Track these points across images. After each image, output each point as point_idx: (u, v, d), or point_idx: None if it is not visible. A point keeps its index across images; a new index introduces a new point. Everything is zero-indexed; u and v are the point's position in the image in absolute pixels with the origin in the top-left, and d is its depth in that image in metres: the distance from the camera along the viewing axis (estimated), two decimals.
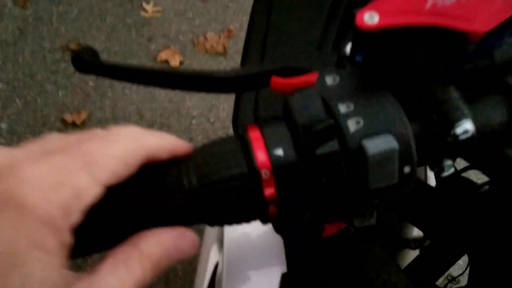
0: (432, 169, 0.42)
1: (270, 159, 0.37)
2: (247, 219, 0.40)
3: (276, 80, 0.43)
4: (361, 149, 0.36)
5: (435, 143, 0.39)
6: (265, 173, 0.37)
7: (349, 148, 0.36)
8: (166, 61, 2.05)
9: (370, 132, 0.36)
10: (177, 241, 0.36)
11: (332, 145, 0.36)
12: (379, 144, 0.35)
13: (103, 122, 1.84)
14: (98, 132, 0.35)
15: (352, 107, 0.37)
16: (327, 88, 0.39)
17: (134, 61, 2.03)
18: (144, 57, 2.05)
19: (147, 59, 2.05)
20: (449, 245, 0.64)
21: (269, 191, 0.37)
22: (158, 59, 2.05)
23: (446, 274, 0.65)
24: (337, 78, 0.40)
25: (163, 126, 1.87)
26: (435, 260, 0.66)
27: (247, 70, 0.46)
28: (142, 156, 0.34)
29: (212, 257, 0.65)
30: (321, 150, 0.36)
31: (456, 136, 0.38)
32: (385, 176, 0.36)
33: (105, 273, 0.32)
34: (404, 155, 0.36)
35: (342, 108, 0.37)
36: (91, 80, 1.95)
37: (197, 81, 0.47)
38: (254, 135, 0.39)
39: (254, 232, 0.60)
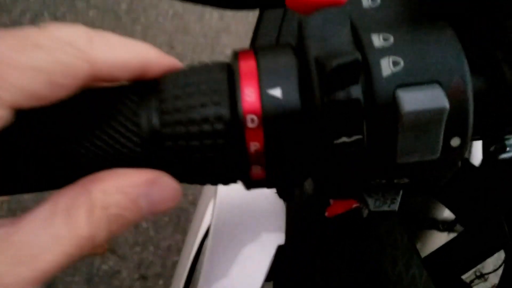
0: (487, 146, 0.31)
1: (261, 101, 0.26)
2: (224, 180, 0.30)
3: None
4: (393, 102, 0.25)
5: (502, 109, 0.27)
6: (251, 119, 0.26)
7: (376, 98, 0.25)
8: None
9: (410, 79, 0.25)
10: (149, 189, 0.27)
11: (353, 91, 0.25)
12: (420, 98, 0.24)
13: None
14: (20, 31, 0.25)
15: (391, 40, 0.25)
16: (361, 10, 0.28)
17: None
18: None
19: None
20: (484, 236, 0.55)
21: (254, 146, 0.26)
22: None
23: (474, 268, 0.57)
24: (376, 0, 0.28)
25: (194, 62, 1.77)
26: (465, 250, 0.57)
27: None
28: (84, 74, 0.25)
29: (208, 216, 0.56)
30: (336, 96, 0.25)
31: None
32: (422, 147, 0.25)
33: (36, 224, 0.24)
34: (455, 120, 0.25)
35: (377, 40, 0.26)
36: (124, 3, 1.85)
37: None
38: (246, 66, 0.28)
39: (254, 191, 0.50)
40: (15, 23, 1.77)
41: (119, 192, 0.26)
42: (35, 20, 1.78)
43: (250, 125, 0.27)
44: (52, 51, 0.24)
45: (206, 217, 0.57)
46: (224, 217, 0.50)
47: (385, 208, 0.29)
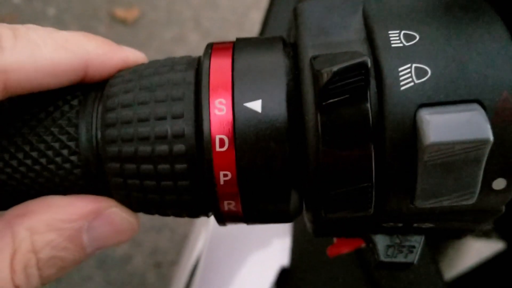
0: None
1: (234, 117, 0.19)
2: (189, 214, 0.23)
3: None
4: (413, 128, 0.17)
5: None
6: (221, 141, 0.19)
7: (389, 121, 0.17)
8: None
9: (440, 96, 0.18)
10: (92, 223, 0.22)
11: (359, 109, 0.18)
12: (452, 125, 0.17)
13: (155, 25, 1.69)
14: None
15: (416, 39, 0.18)
16: None
17: None
18: None
19: None
20: None
21: (224, 177, 0.20)
22: None
23: None
24: None
25: (221, 39, 1.70)
26: (506, 268, 0.53)
27: None
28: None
29: (201, 241, 0.49)
30: (335, 114, 0.18)
31: None
32: (452, 190, 0.18)
33: None
34: (499, 155, 0.18)
35: (396, 39, 0.18)
36: None
37: None
38: (219, 67, 0.21)
39: None
40: None
41: (51, 229, 0.21)
42: None
43: (219, 148, 0.20)
44: None
45: (200, 242, 0.50)
46: (221, 230, 0.43)
47: (400, 258, 0.22)
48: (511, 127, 0.18)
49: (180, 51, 1.64)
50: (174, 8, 1.74)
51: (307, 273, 0.39)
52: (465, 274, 0.57)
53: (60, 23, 1.66)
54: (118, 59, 0.23)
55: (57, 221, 0.21)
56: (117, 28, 1.66)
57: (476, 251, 0.72)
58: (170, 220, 1.28)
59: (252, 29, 1.78)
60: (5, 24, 0.21)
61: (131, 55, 0.24)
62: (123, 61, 0.23)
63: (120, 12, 1.71)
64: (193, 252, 0.50)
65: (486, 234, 0.70)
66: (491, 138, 0.17)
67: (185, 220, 1.27)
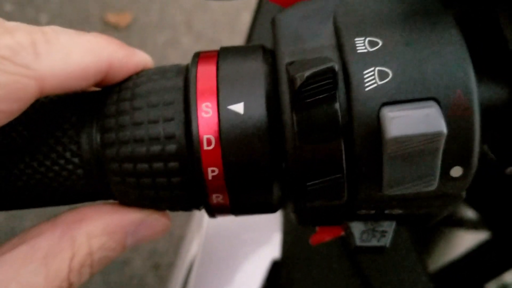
0: (503, 166, 0.26)
1: (219, 119, 0.21)
2: (183, 207, 0.25)
3: None
4: (377, 124, 0.20)
5: None
6: (208, 140, 0.21)
7: (356, 118, 0.20)
8: None
9: (400, 95, 0.20)
10: (137, 228, 0.25)
11: (330, 107, 0.20)
12: (411, 120, 0.19)
13: (148, 29, 1.70)
14: None
15: (379, 45, 0.20)
16: (348, 4, 0.23)
17: None
18: None
19: None
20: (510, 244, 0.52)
21: (212, 172, 0.22)
22: None
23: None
24: None
25: (214, 41, 1.72)
26: (490, 257, 0.55)
27: None
28: (31, 94, 0.21)
29: (195, 243, 0.51)
30: (308, 114, 0.20)
31: None
32: (414, 178, 0.20)
33: (9, 269, 0.21)
34: (456, 146, 0.20)
35: (361, 45, 0.21)
36: None
37: None
38: (205, 73, 0.23)
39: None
40: None
41: (105, 233, 0.23)
42: None
43: (206, 147, 0.22)
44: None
45: (194, 245, 0.52)
46: (215, 226, 0.46)
47: (374, 242, 0.24)
48: (464, 121, 0.20)
49: (173, 54, 1.66)
50: (166, 12, 1.76)
51: (297, 265, 0.41)
52: (451, 264, 0.59)
53: None
54: (134, 63, 0.25)
55: (111, 226, 0.23)
56: (110, 33, 1.67)
57: (464, 241, 0.74)
58: None
59: (243, 29, 1.80)
60: (34, 27, 0.21)
61: (143, 59, 0.25)
62: (137, 65, 0.25)
63: (112, 17, 1.72)
64: (188, 253, 0.52)
65: (475, 226, 0.72)
66: (445, 131, 0.19)
67: (182, 222, 1.29)
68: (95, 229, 0.23)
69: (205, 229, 0.48)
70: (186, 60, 0.25)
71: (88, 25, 1.69)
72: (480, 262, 0.57)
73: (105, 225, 0.23)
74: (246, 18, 1.81)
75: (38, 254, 0.22)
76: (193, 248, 0.51)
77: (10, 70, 0.20)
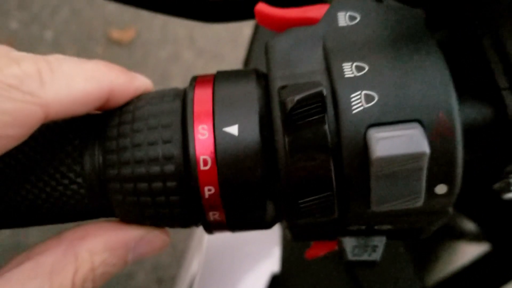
0: (489, 183, 0.27)
1: (215, 140, 0.22)
2: (181, 224, 0.26)
3: (262, 9, 0.27)
4: (364, 145, 0.21)
5: (503, 145, 0.23)
6: (204, 161, 0.23)
7: (344, 139, 0.21)
8: None
9: (385, 117, 0.21)
10: (137, 245, 0.26)
11: (320, 129, 0.21)
12: (395, 141, 0.20)
13: (151, 44, 1.72)
14: None
15: (365, 70, 0.21)
16: (336, 30, 0.24)
17: None
18: None
19: None
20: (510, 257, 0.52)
21: (208, 191, 0.23)
22: None
23: None
24: (357, 17, 0.24)
25: (216, 56, 1.74)
26: (490, 270, 0.55)
27: None
28: (36, 120, 0.22)
29: (195, 260, 0.52)
30: (299, 135, 0.21)
31: None
32: (400, 195, 0.21)
33: (18, 281, 0.23)
34: (439, 164, 0.21)
35: (349, 70, 0.22)
36: None
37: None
38: (201, 97, 0.24)
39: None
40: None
41: (107, 249, 0.24)
42: (55, 13, 1.77)
43: (203, 167, 0.23)
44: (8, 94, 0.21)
45: (198, 251, 0.53)
46: (216, 241, 0.47)
47: (365, 257, 0.25)
48: (446, 141, 0.21)
49: (175, 69, 1.68)
50: (169, 27, 1.77)
51: (296, 279, 0.42)
52: (450, 276, 0.59)
53: (57, 46, 1.70)
54: (134, 88, 0.26)
55: (112, 242, 0.24)
56: (113, 49, 1.70)
57: (465, 254, 0.74)
58: (171, 237, 1.30)
59: (245, 44, 1.81)
60: (39, 57, 0.23)
61: (143, 83, 0.27)
62: (137, 89, 0.26)
63: (116, 34, 1.74)
64: (189, 268, 0.53)
65: (475, 238, 0.72)
66: (428, 151, 0.20)
67: (185, 236, 1.29)
68: (97, 246, 0.24)
69: (205, 244, 0.49)
70: (188, 74, 0.26)
71: (92, 41, 1.71)
72: (479, 275, 0.57)
73: (107, 241, 0.24)
74: (248, 33, 1.82)
75: (43, 269, 0.23)
76: (194, 263, 0.52)
77: (18, 98, 0.21)
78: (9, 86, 0.21)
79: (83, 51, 1.68)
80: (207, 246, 0.49)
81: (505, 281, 0.54)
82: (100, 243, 0.24)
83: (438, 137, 0.21)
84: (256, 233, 0.47)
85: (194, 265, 0.52)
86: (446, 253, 0.74)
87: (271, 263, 0.44)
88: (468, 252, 0.68)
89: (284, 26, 0.26)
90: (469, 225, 0.71)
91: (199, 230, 0.56)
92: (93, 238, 0.24)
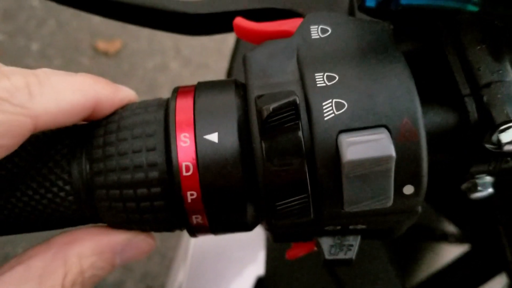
0: (457, 184, 0.28)
1: (196, 147, 0.24)
2: (166, 228, 0.28)
3: (240, 23, 0.29)
4: (335, 149, 0.22)
5: (467, 148, 0.25)
6: (186, 167, 0.24)
7: (317, 144, 0.22)
8: None
9: (355, 123, 0.22)
10: (124, 248, 0.27)
11: (293, 137, 0.23)
12: (364, 146, 0.22)
13: (137, 55, 1.73)
14: None
15: (335, 79, 0.23)
16: (309, 43, 0.26)
17: None
18: None
19: None
20: (489, 256, 0.53)
21: (191, 195, 0.24)
22: None
23: None
24: (328, 30, 0.25)
25: (201, 66, 1.75)
26: (469, 269, 0.57)
27: (212, 5, 0.32)
28: (26, 130, 0.24)
29: (182, 268, 0.53)
30: (275, 141, 0.23)
31: (500, 144, 0.23)
32: (371, 196, 0.23)
33: (9, 285, 0.24)
34: (406, 166, 0.22)
35: (320, 80, 0.23)
36: None
37: (142, 14, 0.34)
38: (183, 107, 0.26)
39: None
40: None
41: (95, 253, 0.25)
42: (41, 26, 1.78)
43: (185, 173, 0.24)
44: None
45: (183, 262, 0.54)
46: (201, 247, 0.48)
47: (342, 256, 0.27)
48: (412, 145, 0.23)
49: (162, 79, 1.69)
50: (155, 38, 1.79)
51: (281, 279, 0.43)
52: (431, 277, 0.61)
53: (44, 58, 1.70)
54: (119, 99, 0.27)
55: (100, 247, 0.26)
56: (100, 60, 1.71)
57: (447, 255, 0.76)
58: (159, 245, 1.32)
59: (230, 54, 1.83)
60: (27, 71, 0.24)
61: (128, 94, 0.28)
62: (122, 100, 0.27)
63: (103, 45, 1.75)
64: (176, 278, 0.54)
65: (458, 240, 0.74)
66: (394, 154, 0.22)
67: (173, 244, 1.30)
68: (85, 250, 0.25)
69: (191, 252, 0.50)
70: (175, 84, 0.27)
71: (79, 52, 1.72)
72: (459, 275, 0.58)
73: (95, 246, 0.26)
74: (232, 43, 1.84)
75: (34, 273, 0.24)
76: (181, 271, 0.53)
77: (8, 110, 0.22)
78: (0, 99, 0.22)
79: (70, 62, 1.69)
80: (193, 254, 0.50)
81: (484, 280, 0.55)
82: (88, 247, 0.25)
83: (404, 141, 0.23)
84: (241, 239, 0.48)
85: (180, 274, 0.54)
86: (429, 255, 0.76)
87: (257, 268, 0.45)
88: (450, 254, 0.70)
89: (261, 38, 0.28)
90: (451, 228, 0.73)
91: (186, 239, 0.57)
92: (81, 243, 0.25)
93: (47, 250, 0.25)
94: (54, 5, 0.36)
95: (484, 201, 0.46)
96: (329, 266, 0.32)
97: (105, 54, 1.73)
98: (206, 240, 0.50)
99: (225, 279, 0.46)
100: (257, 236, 0.47)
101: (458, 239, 0.71)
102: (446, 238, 0.73)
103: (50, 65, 1.70)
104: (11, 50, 1.70)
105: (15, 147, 0.23)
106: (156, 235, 0.28)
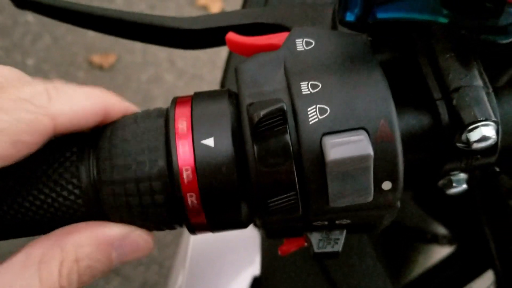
0: (433, 182, 0.31)
1: (194, 152, 0.26)
2: (168, 227, 0.30)
3: (232, 38, 0.31)
4: (320, 150, 0.25)
5: (435, 148, 0.27)
6: (186, 171, 0.26)
7: (303, 146, 0.25)
8: (205, 7, 1.93)
9: (337, 126, 0.25)
10: (121, 242, 0.28)
11: (282, 140, 0.25)
12: (345, 146, 0.24)
13: (132, 67, 1.76)
14: None
15: (319, 87, 0.25)
16: (295, 55, 0.28)
17: (173, 4, 1.93)
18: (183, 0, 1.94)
19: (185, 2, 1.93)
20: (476, 254, 0.55)
21: (190, 197, 0.26)
22: (196, 4, 1.93)
23: None
24: (312, 43, 0.28)
25: (195, 77, 1.78)
26: (458, 268, 0.58)
27: (205, 21, 0.35)
28: (47, 129, 0.26)
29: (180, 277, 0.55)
30: (265, 144, 0.25)
31: (469, 143, 0.26)
32: (353, 192, 0.25)
33: (8, 274, 0.26)
34: (383, 164, 0.25)
35: (305, 88, 0.26)
36: None
37: (138, 30, 0.36)
38: (181, 115, 0.28)
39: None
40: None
41: (91, 244, 0.27)
42: (36, 42, 1.80)
43: (185, 177, 0.27)
44: (14, 111, 0.25)
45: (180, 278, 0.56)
46: (200, 244, 0.50)
47: (329, 249, 0.29)
48: (388, 145, 0.25)
49: (157, 91, 1.71)
50: (149, 51, 1.81)
51: (275, 278, 0.46)
52: (419, 276, 0.63)
53: (40, 72, 1.72)
54: (123, 107, 0.30)
55: (96, 238, 0.27)
56: (95, 73, 1.73)
57: (436, 256, 0.78)
58: (157, 255, 1.33)
59: (223, 65, 1.85)
60: (45, 80, 0.27)
61: (130, 105, 0.30)
62: (126, 109, 0.30)
63: (97, 58, 1.78)
64: (175, 285, 0.56)
65: (449, 241, 0.76)
66: (372, 153, 0.24)
67: (171, 253, 1.32)
68: (82, 240, 0.27)
69: (189, 256, 0.52)
70: (170, 95, 0.30)
71: (74, 67, 1.75)
72: (447, 273, 0.60)
73: (92, 236, 0.27)
74: (225, 55, 1.86)
75: (33, 260, 0.26)
76: (179, 278, 0.55)
77: (31, 110, 0.25)
78: (25, 101, 0.25)
79: (66, 76, 1.71)
80: (191, 259, 0.52)
81: (472, 278, 0.56)
82: (85, 237, 0.27)
83: (381, 141, 0.25)
84: (238, 242, 0.51)
85: (179, 279, 0.56)
86: (420, 256, 0.78)
87: (253, 269, 0.47)
88: (441, 255, 0.72)
89: (251, 51, 0.30)
90: (441, 230, 0.75)
91: (184, 245, 0.59)
92: (79, 233, 0.27)
93: (47, 239, 0.27)
94: (49, 20, 0.39)
95: (469, 201, 0.48)
96: (318, 259, 0.34)
97: (100, 67, 1.75)
98: (204, 245, 0.52)
99: (222, 281, 0.48)
100: (253, 239, 0.50)
101: (449, 241, 0.73)
102: (437, 240, 0.75)
103: (46, 79, 1.71)
104: (7, 65, 1.72)
105: (36, 147, 0.26)
106: (154, 244, 0.30)
